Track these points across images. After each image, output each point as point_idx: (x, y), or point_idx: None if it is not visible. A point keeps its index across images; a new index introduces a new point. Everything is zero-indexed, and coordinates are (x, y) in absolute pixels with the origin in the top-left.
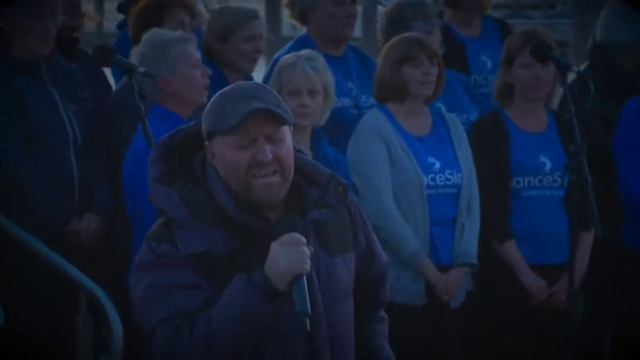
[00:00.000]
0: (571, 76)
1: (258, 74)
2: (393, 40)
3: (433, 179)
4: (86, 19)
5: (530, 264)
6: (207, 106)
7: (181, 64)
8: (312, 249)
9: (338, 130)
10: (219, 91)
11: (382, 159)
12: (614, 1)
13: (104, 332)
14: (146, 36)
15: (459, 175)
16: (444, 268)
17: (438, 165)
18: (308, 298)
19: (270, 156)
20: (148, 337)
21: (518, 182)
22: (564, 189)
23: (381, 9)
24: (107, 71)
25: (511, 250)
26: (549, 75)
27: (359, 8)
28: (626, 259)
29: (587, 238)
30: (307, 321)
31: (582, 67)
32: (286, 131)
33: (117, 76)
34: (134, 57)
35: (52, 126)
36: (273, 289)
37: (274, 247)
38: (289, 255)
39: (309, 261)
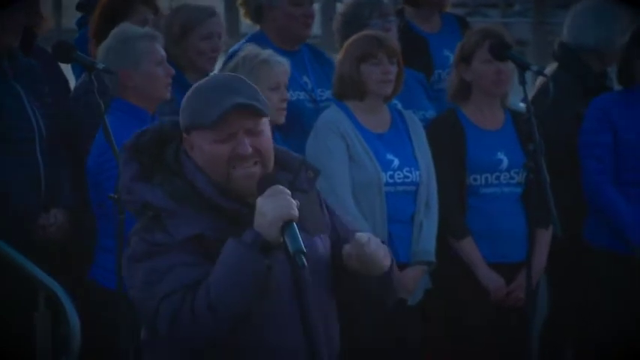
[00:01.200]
0: (531, 76)
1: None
2: (353, 37)
3: (392, 176)
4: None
5: (489, 262)
6: (185, 99)
7: (145, 60)
8: (298, 202)
9: (294, 122)
10: (196, 84)
11: (341, 155)
12: (581, 2)
13: (63, 331)
14: (115, 30)
15: (417, 172)
16: (402, 266)
17: (396, 162)
18: (301, 239)
19: (249, 149)
20: (153, 319)
21: (475, 179)
22: (522, 186)
23: (340, 6)
24: (67, 68)
25: (468, 247)
26: (509, 70)
27: (317, 5)
28: (589, 255)
29: (546, 236)
30: (303, 257)
31: (549, 67)
32: (265, 123)
33: (77, 73)
34: (101, 50)
35: (19, 121)
36: (265, 242)
37: (260, 200)
38: (276, 203)
39: (296, 208)
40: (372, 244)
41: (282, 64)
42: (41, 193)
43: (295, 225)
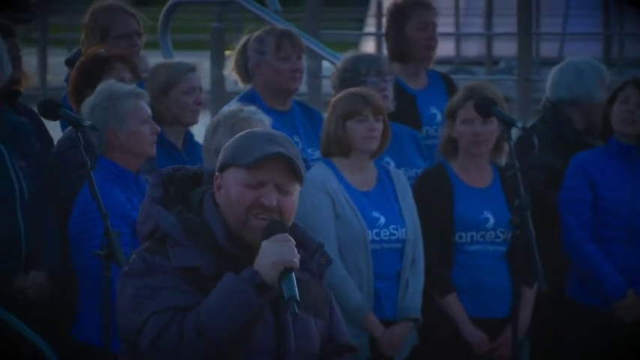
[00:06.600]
0: (517, 132)
1: (201, 129)
2: (339, 95)
3: (378, 234)
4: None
5: (473, 317)
6: (233, 139)
7: (130, 118)
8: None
9: None
10: (247, 130)
11: (327, 213)
12: (565, 59)
13: None
14: (100, 87)
15: (403, 230)
16: (388, 323)
17: (382, 220)
18: (297, 289)
19: (275, 202)
20: (137, 333)
21: (461, 237)
22: (507, 244)
23: (326, 65)
24: (55, 125)
25: (452, 303)
26: (489, 131)
27: (304, 63)
28: (571, 312)
29: (530, 293)
30: (296, 306)
31: (531, 122)
32: (296, 189)
33: (64, 128)
34: (86, 107)
35: None
36: (262, 281)
37: (265, 243)
38: (280, 249)
39: (297, 259)
40: None
41: (263, 122)
42: (21, 254)
43: (293, 276)
